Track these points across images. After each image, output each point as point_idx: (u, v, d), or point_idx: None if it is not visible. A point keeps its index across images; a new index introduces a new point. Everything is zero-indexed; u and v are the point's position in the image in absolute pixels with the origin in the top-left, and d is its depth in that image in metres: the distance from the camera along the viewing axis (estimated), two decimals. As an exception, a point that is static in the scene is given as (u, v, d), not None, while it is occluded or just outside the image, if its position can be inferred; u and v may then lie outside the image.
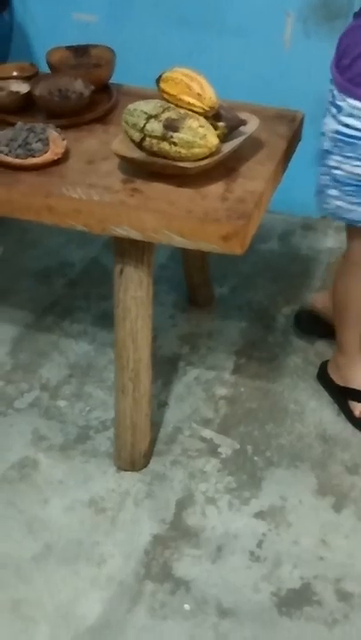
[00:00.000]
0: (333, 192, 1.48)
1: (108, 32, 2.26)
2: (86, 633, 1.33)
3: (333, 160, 1.44)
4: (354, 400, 1.73)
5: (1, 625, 1.35)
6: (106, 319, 1.99)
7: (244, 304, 2.09)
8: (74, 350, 1.93)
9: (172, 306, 2.08)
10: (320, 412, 1.77)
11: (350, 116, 1.37)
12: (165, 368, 1.86)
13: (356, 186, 1.43)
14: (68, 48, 1.74)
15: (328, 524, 1.52)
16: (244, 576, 1.42)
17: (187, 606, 1.37)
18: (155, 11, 2.24)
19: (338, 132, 1.40)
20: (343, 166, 1.42)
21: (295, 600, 1.39)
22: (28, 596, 1.39)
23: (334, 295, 1.67)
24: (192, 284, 2.07)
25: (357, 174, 1.41)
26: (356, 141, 1.38)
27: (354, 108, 1.36)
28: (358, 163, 1.40)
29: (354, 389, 1.73)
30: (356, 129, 1.37)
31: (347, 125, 1.38)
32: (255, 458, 1.65)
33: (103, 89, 1.66)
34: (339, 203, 1.48)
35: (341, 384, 1.74)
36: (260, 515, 1.53)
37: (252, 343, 1.96)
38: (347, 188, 1.45)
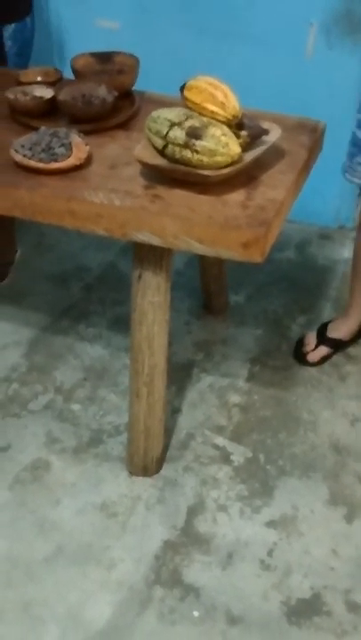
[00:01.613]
0: None
1: (131, 39, 2.27)
2: (95, 636, 1.34)
3: None
4: (324, 344, 1.90)
5: (11, 624, 1.35)
6: (121, 324, 2.00)
7: (259, 312, 2.10)
8: (88, 354, 1.94)
9: (188, 312, 2.08)
10: (333, 422, 1.76)
11: None
12: (179, 374, 1.87)
13: None
14: (93, 54, 1.76)
15: (339, 535, 1.51)
16: (254, 584, 1.42)
17: (196, 613, 1.37)
18: (178, 19, 2.25)
19: None
20: None
21: (305, 610, 1.38)
22: (37, 597, 1.40)
23: (355, 248, 1.87)
24: (208, 292, 2.07)
25: None
26: None
27: None
28: None
29: (331, 338, 1.91)
30: None
31: None
32: (267, 466, 1.65)
33: (126, 95, 1.67)
34: None
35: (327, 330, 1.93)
36: (271, 523, 1.53)
37: (267, 351, 1.96)
38: None
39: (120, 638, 1.34)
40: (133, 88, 1.71)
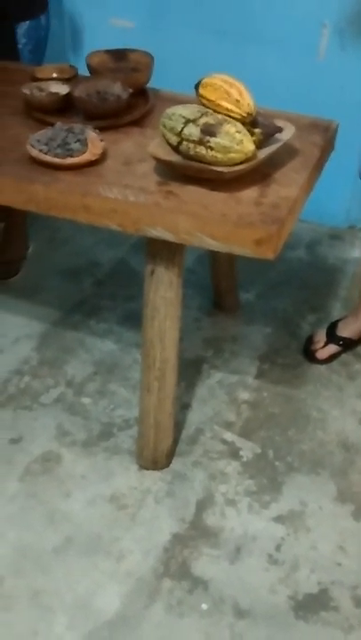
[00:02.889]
0: None
1: (145, 39, 2.28)
2: (104, 626, 1.35)
3: None
4: (333, 343, 1.92)
5: (20, 613, 1.37)
6: (132, 319, 2.02)
7: (269, 310, 2.11)
8: (99, 348, 1.95)
9: (198, 309, 2.10)
10: (342, 420, 1.77)
11: None
12: (189, 370, 1.88)
13: None
14: (108, 52, 1.77)
15: (347, 531, 1.52)
16: (262, 578, 1.43)
17: (204, 605, 1.39)
18: (191, 19, 2.27)
19: None
20: None
21: (312, 604, 1.39)
22: (47, 587, 1.41)
23: None
24: (219, 289, 2.09)
25: None
26: None
27: None
28: None
29: (341, 336, 1.92)
30: None
31: None
32: (276, 462, 1.66)
33: (140, 93, 1.69)
34: None
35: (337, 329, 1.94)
36: (279, 519, 1.54)
37: (276, 349, 1.97)
38: None
39: (128, 629, 1.35)
40: (147, 86, 1.72)
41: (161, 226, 1.35)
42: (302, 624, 1.36)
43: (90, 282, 2.19)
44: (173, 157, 1.39)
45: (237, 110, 1.38)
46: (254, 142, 1.38)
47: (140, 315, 1.50)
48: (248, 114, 1.38)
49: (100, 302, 2.11)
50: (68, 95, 1.61)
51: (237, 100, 1.38)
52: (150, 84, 1.72)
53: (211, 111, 1.39)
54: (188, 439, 1.71)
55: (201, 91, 1.42)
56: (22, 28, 1.92)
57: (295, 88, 2.22)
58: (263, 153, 1.40)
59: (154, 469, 1.63)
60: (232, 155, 1.34)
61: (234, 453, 1.68)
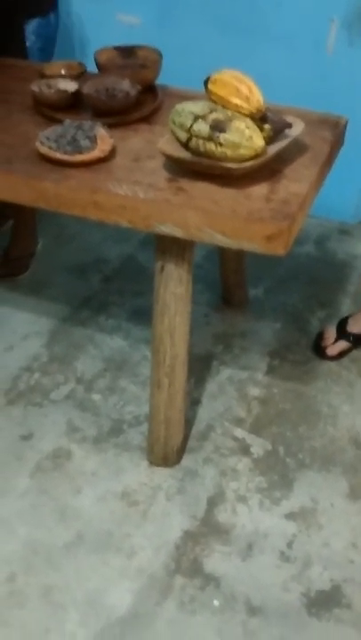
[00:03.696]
0: None
1: (152, 35, 2.28)
2: (116, 623, 1.36)
3: None
4: (343, 339, 1.91)
5: (31, 609, 1.37)
6: (140, 315, 2.02)
7: (278, 306, 2.10)
8: (108, 345, 1.95)
9: (207, 305, 2.09)
10: (353, 416, 1.77)
11: None
12: (199, 366, 1.88)
13: None
14: (116, 48, 1.77)
15: (359, 528, 1.52)
16: (274, 575, 1.43)
17: (216, 602, 1.39)
18: (199, 15, 2.26)
19: None
20: None
21: (324, 602, 1.39)
22: (58, 583, 1.41)
23: None
24: (227, 285, 2.08)
25: None
26: None
27: None
28: None
29: (351, 333, 1.91)
30: None
31: None
32: (287, 459, 1.66)
33: (149, 89, 1.68)
34: None
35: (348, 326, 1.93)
36: (290, 515, 1.54)
37: (286, 345, 1.97)
38: None
39: (140, 626, 1.35)
40: (156, 82, 1.72)
41: (171, 222, 1.34)
42: (315, 621, 1.36)
43: (98, 278, 2.19)
44: (183, 154, 1.39)
45: (247, 106, 1.37)
46: (264, 138, 1.37)
47: (148, 311, 1.50)
48: (257, 110, 1.37)
49: (109, 298, 2.11)
50: (77, 92, 1.61)
51: (247, 96, 1.37)
52: (159, 81, 1.72)
53: (220, 107, 1.38)
54: (198, 435, 1.71)
55: (210, 87, 1.41)
56: (32, 25, 1.92)
57: (304, 84, 2.20)
58: (273, 149, 1.39)
59: (164, 466, 1.63)
60: (242, 151, 1.33)
61: (245, 450, 1.68)
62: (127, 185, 1.38)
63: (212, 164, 1.36)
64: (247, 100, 1.37)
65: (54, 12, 2.00)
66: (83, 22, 2.41)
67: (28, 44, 1.94)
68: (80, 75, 1.72)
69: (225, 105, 1.39)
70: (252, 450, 1.68)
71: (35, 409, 1.76)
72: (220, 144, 1.33)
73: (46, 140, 1.44)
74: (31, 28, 1.92)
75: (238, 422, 1.74)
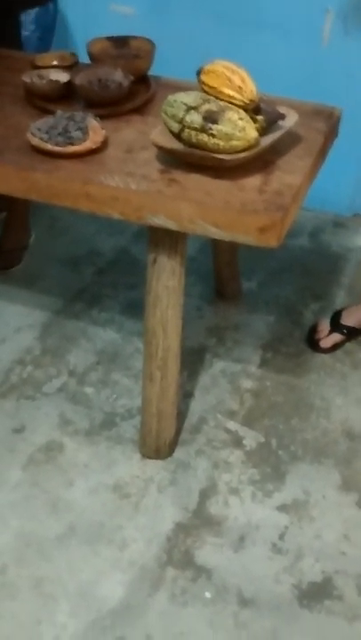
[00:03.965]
0: None
1: (146, 25, 2.26)
2: (107, 614, 1.36)
3: None
4: (336, 332, 1.91)
5: (23, 601, 1.37)
6: (133, 308, 2.01)
7: (271, 299, 2.10)
8: (101, 338, 1.95)
9: (200, 298, 2.09)
10: (346, 409, 1.77)
11: None
12: (191, 359, 1.88)
13: None
14: (109, 39, 1.75)
15: (351, 520, 1.52)
16: (266, 567, 1.43)
17: (208, 594, 1.39)
18: (193, 5, 2.24)
19: None
20: None
21: (316, 593, 1.40)
22: (50, 575, 1.41)
23: None
24: (221, 278, 2.08)
25: None
26: None
27: None
28: None
29: (345, 325, 1.91)
30: None
31: None
32: (279, 451, 1.66)
33: (142, 80, 1.67)
34: None
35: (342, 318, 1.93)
36: (282, 508, 1.54)
37: (279, 338, 1.97)
38: None
39: (132, 617, 1.36)
40: (149, 73, 1.71)
41: (163, 214, 1.34)
42: (306, 613, 1.37)
43: (91, 271, 2.18)
44: (175, 145, 1.38)
45: (240, 97, 1.36)
46: (257, 129, 1.36)
47: (141, 303, 1.50)
48: (251, 100, 1.37)
49: (102, 291, 2.11)
50: (69, 83, 1.60)
51: (240, 87, 1.36)
52: (152, 71, 1.71)
53: (213, 98, 1.37)
54: (191, 428, 1.71)
55: (203, 77, 1.40)
56: (30, 14, 1.91)
57: (299, 74, 2.19)
58: (266, 140, 1.39)
59: (157, 458, 1.63)
60: (234, 142, 1.33)
61: (237, 442, 1.68)
62: (119, 176, 1.37)
63: (204, 156, 1.35)
64: (240, 90, 1.36)
65: (53, 0, 1.99)
66: (76, 12, 2.39)
67: (27, 33, 1.93)
68: (72, 65, 1.71)
69: (218, 96, 1.38)
70: (245, 442, 1.68)
71: (27, 402, 1.76)
72: (213, 135, 1.32)
73: (38, 131, 1.43)
74: (30, 16, 1.91)
75: (231, 415, 1.74)
